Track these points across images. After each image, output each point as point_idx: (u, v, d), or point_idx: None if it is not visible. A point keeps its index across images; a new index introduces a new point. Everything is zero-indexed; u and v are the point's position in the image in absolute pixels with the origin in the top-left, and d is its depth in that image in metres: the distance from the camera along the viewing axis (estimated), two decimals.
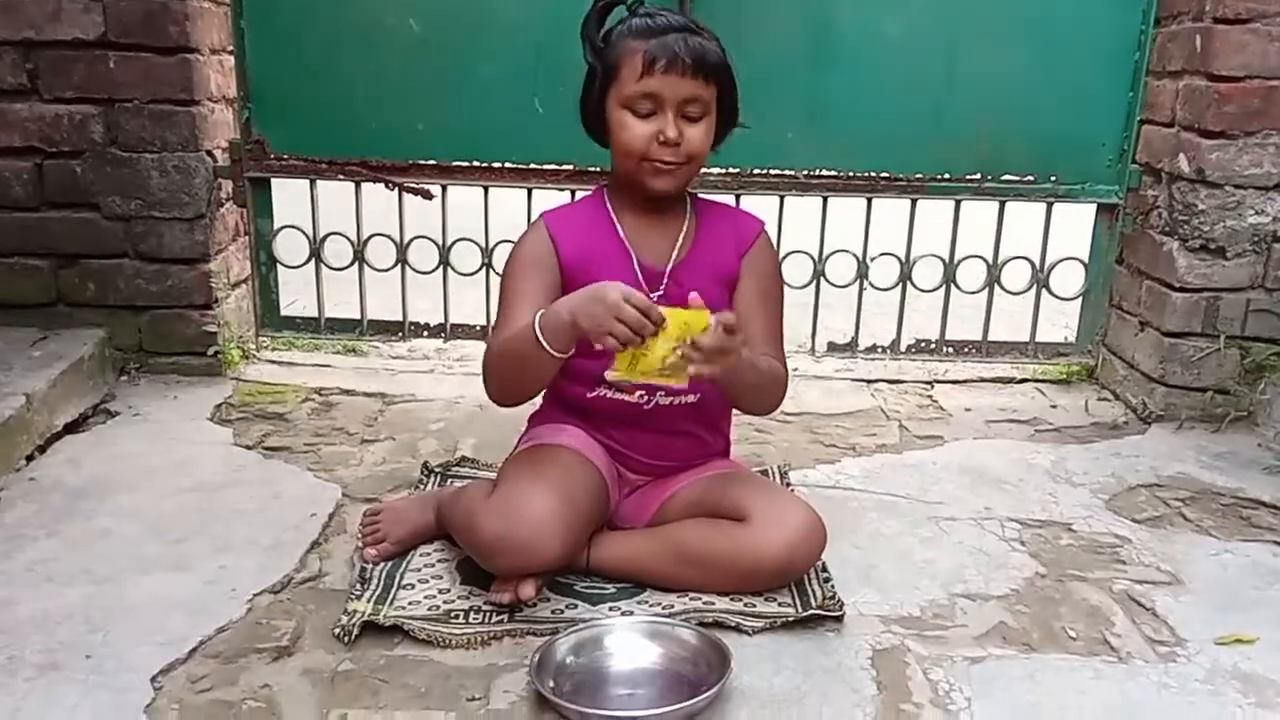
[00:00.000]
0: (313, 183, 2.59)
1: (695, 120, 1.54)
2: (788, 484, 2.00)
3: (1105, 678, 1.42)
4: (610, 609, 1.53)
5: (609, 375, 1.41)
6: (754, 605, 1.54)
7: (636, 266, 1.61)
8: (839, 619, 1.52)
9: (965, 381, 2.67)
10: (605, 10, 1.59)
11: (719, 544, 1.55)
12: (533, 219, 1.68)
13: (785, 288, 1.76)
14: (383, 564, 1.64)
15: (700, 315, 1.37)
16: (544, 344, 1.42)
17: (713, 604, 1.53)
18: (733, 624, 1.48)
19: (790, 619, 1.50)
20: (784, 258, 2.41)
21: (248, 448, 2.10)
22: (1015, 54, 2.48)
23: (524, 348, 1.45)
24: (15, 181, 2.33)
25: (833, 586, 1.59)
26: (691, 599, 1.55)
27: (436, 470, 1.99)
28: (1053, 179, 2.56)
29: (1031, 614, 1.58)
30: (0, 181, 2.33)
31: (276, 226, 2.63)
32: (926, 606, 1.58)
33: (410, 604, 1.53)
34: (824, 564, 1.63)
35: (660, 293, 1.60)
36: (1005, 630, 1.53)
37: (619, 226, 1.64)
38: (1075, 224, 2.76)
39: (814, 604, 1.53)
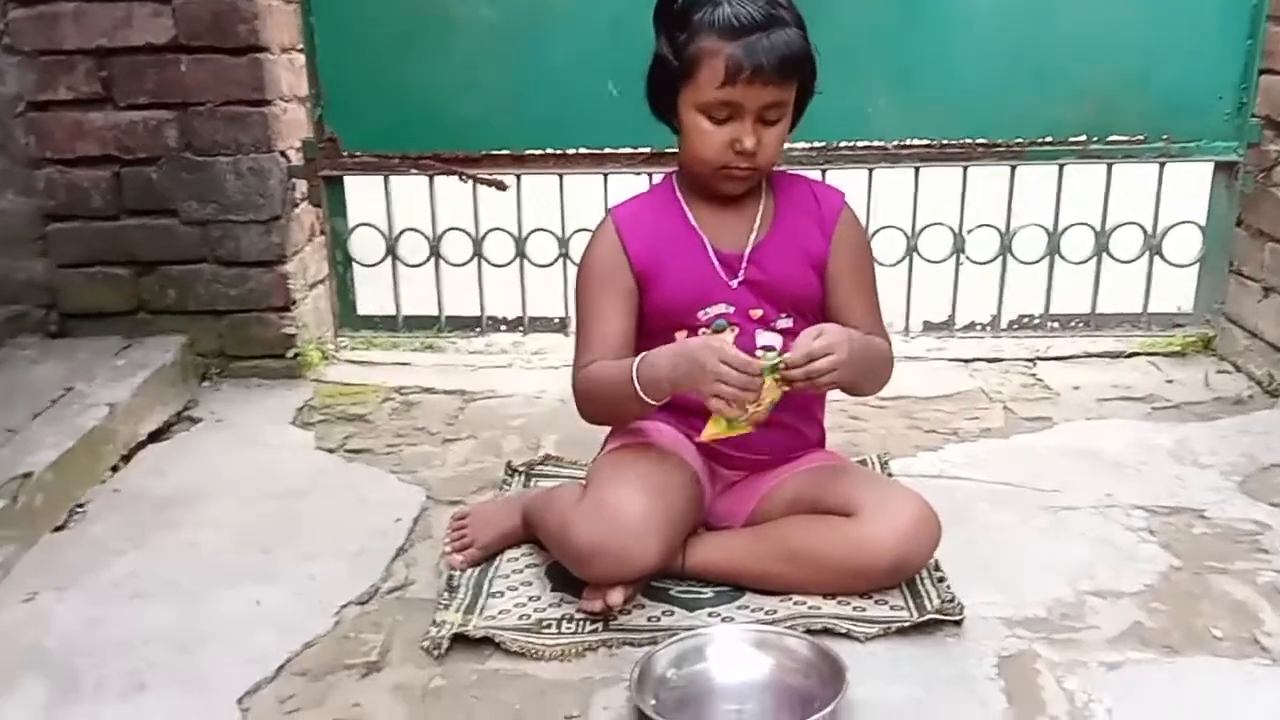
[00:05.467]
0: (386, 179, 2.54)
1: (773, 124, 1.46)
2: (889, 474, 1.89)
3: (1261, 684, 1.29)
4: (709, 615, 1.45)
5: (702, 438, 1.41)
6: (864, 609, 1.44)
7: (712, 254, 1.54)
8: (958, 623, 1.41)
9: (1070, 357, 2.51)
10: None
11: (826, 541, 1.45)
12: (607, 208, 1.61)
13: (876, 266, 1.67)
14: (470, 571, 1.58)
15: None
16: (644, 398, 1.41)
17: (819, 609, 1.44)
18: (843, 630, 1.39)
19: (905, 624, 1.40)
20: (874, 234, 2.29)
21: (330, 451, 2.06)
22: (1123, 3, 2.31)
23: (622, 394, 1.44)
24: (94, 191, 2.33)
25: (948, 587, 1.48)
26: (796, 603, 1.46)
27: (520, 470, 1.93)
28: (1165, 137, 2.39)
29: (1169, 612, 1.45)
30: (80, 191, 2.32)
31: (351, 225, 2.60)
32: (1053, 606, 1.46)
33: (500, 613, 1.46)
34: (936, 562, 1.52)
35: (740, 278, 1.53)
36: (1142, 631, 1.40)
37: (690, 214, 1.56)
38: (1190, 185, 2.57)
39: (930, 607, 1.42)
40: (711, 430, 1.39)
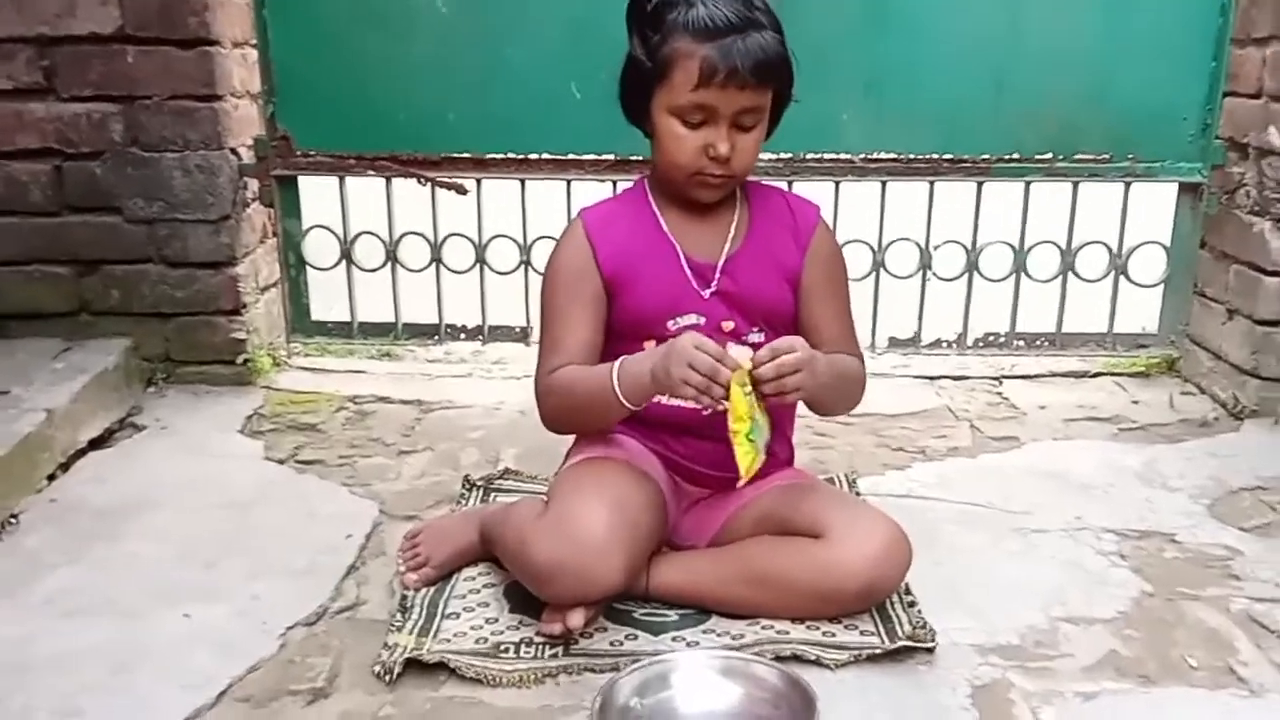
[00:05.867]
0: (341, 180, 2.46)
1: (748, 129, 1.42)
2: (857, 493, 1.86)
3: (1238, 715, 1.27)
4: (674, 639, 1.40)
5: (744, 477, 1.33)
6: (833, 634, 1.39)
7: (684, 263, 1.49)
8: (930, 650, 1.37)
9: (1036, 376, 2.50)
10: None
11: (794, 563, 1.41)
12: (572, 214, 1.56)
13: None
14: (425, 590, 1.51)
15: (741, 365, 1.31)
16: (623, 401, 1.37)
17: (788, 634, 1.39)
18: (812, 657, 1.34)
19: (877, 651, 1.35)
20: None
21: (280, 462, 1.98)
22: (1089, 21, 2.31)
23: (598, 397, 1.40)
24: (34, 185, 2.22)
25: (919, 612, 1.44)
26: (763, 628, 1.41)
27: (478, 484, 1.86)
28: (1130, 157, 2.39)
29: (1144, 640, 1.42)
30: (18, 185, 2.22)
31: (305, 227, 2.51)
32: (1026, 633, 1.43)
33: (456, 636, 1.40)
34: (906, 585, 1.47)
35: (713, 289, 1.48)
36: (1118, 660, 1.37)
37: (662, 220, 1.51)
38: (1155, 205, 2.57)
39: (901, 633, 1.38)
40: (745, 462, 1.32)
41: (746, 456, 1.32)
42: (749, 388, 1.31)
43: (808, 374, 1.31)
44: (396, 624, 1.42)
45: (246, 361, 2.33)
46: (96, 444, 2.02)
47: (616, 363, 1.38)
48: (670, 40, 1.38)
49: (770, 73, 1.39)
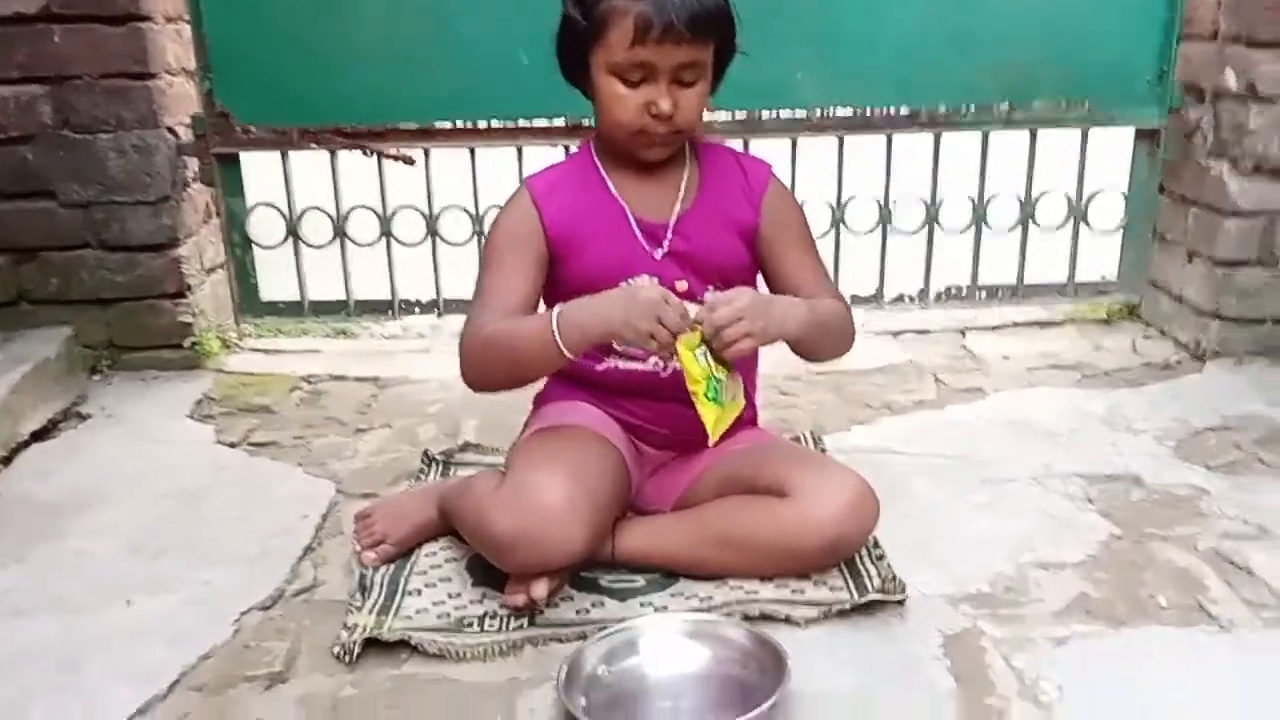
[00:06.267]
0: (285, 155, 2.39)
1: (690, 85, 1.37)
2: (822, 450, 1.83)
3: (1208, 651, 1.26)
4: (641, 605, 1.37)
5: (714, 435, 1.31)
6: (802, 591, 1.37)
7: (634, 224, 1.45)
8: (900, 603, 1.34)
9: (999, 327, 2.49)
10: None
11: (760, 522, 1.38)
12: (522, 178, 1.51)
13: None
14: (384, 568, 1.47)
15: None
16: (563, 349, 1.29)
17: (756, 593, 1.37)
18: (782, 615, 1.32)
19: (846, 606, 1.33)
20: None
21: (231, 445, 1.93)
22: None
23: (533, 347, 1.33)
24: None
25: (889, 565, 1.42)
26: (732, 588, 1.38)
27: (438, 459, 1.82)
28: (1087, 104, 2.36)
29: (1113, 582, 1.41)
30: None
31: (249, 205, 2.44)
32: (995, 581, 1.41)
33: (418, 612, 1.36)
34: (874, 539, 1.45)
35: (664, 249, 1.45)
36: (1087, 603, 1.36)
37: (610, 182, 1.47)
38: (1113, 153, 2.55)
39: (871, 587, 1.36)
40: (709, 420, 1.29)
41: (710, 415, 1.29)
42: (702, 348, 1.28)
43: (750, 321, 1.27)
44: (355, 603, 1.38)
45: (194, 345, 2.27)
46: (39, 435, 1.95)
47: (555, 310, 1.32)
48: None
49: (708, 26, 1.34)
